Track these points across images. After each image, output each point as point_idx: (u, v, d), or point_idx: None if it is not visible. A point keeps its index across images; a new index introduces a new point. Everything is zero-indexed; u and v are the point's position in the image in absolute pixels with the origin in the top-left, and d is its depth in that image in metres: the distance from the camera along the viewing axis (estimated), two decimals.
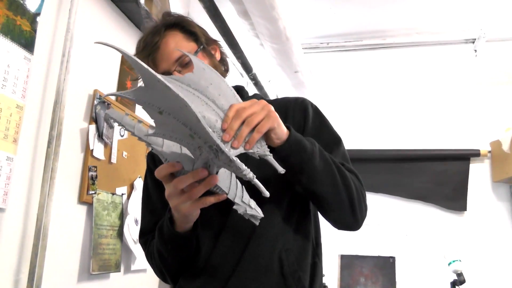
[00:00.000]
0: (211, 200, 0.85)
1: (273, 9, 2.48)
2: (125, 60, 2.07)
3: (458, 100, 3.99)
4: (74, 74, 1.72)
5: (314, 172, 0.94)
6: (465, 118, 3.93)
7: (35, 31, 1.53)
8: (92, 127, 1.81)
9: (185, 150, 0.84)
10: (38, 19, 1.54)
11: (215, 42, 1.19)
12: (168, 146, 0.85)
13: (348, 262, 3.85)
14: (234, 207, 0.86)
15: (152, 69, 0.97)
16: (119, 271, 2.01)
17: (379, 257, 3.79)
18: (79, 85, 1.77)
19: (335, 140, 1.11)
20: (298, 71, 3.17)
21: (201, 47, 1.13)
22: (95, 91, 1.84)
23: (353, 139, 3.75)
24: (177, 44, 1.10)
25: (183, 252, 1.04)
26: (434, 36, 3.17)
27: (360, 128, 4.03)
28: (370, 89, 4.15)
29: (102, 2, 1.93)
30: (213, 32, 2.95)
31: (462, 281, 2.95)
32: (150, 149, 0.88)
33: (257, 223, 0.87)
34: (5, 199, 1.41)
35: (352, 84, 4.15)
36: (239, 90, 1.20)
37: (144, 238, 1.19)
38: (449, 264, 2.99)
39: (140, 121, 0.85)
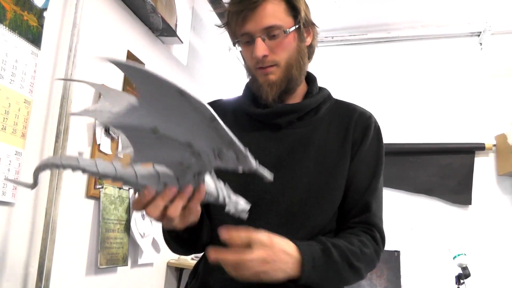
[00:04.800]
0: (195, 205, 0.78)
1: None
2: (131, 55, 2.08)
3: (463, 94, 3.97)
4: (81, 69, 1.73)
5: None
6: (470, 111, 3.91)
7: (42, 26, 1.54)
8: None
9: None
10: (45, 14, 1.55)
11: (312, 25, 1.09)
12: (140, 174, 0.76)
13: None
14: (226, 209, 0.83)
15: (235, 27, 0.98)
16: (126, 264, 2.02)
17: (384, 251, 3.79)
18: (85, 79, 1.78)
19: (375, 174, 1.08)
20: None
21: (297, 26, 1.03)
22: (102, 85, 1.84)
23: None
24: (274, 13, 1.00)
25: (186, 244, 1.01)
26: (439, 29, 3.16)
27: None
28: (374, 83, 4.14)
29: None
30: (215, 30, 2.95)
31: (467, 275, 2.95)
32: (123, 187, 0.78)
33: (246, 216, 0.84)
34: (14, 193, 1.42)
35: (357, 78, 4.14)
36: (312, 80, 1.15)
37: None
38: (454, 258, 2.99)
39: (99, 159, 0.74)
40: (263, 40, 0.99)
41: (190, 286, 1.09)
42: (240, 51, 1.07)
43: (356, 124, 1.09)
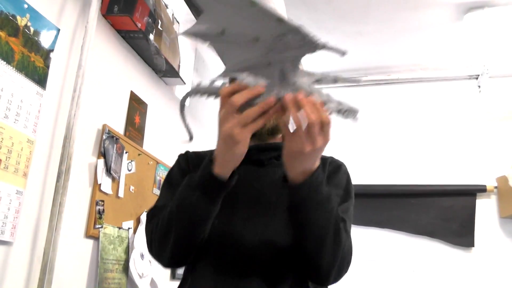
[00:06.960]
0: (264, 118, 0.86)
1: None
2: (134, 95, 2.11)
3: (463, 136, 3.99)
4: (84, 109, 1.75)
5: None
6: (470, 153, 3.92)
7: (48, 67, 1.57)
8: (101, 162, 1.82)
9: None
10: (51, 55, 1.58)
11: None
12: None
13: None
14: (325, 107, 0.86)
15: None
16: None
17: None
18: (88, 120, 1.80)
19: (346, 197, 1.11)
20: None
21: None
22: (104, 125, 1.86)
23: (359, 174, 3.73)
24: None
25: (203, 209, 0.95)
26: (438, 72, 3.21)
27: (365, 164, 4.03)
28: (375, 124, 4.17)
29: (113, 39, 1.98)
30: (219, 68, 3.00)
31: None
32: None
33: (356, 118, 0.87)
34: (13, 232, 1.41)
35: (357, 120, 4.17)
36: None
37: (155, 210, 1.08)
38: None
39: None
40: None
41: None
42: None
43: (329, 164, 1.15)
